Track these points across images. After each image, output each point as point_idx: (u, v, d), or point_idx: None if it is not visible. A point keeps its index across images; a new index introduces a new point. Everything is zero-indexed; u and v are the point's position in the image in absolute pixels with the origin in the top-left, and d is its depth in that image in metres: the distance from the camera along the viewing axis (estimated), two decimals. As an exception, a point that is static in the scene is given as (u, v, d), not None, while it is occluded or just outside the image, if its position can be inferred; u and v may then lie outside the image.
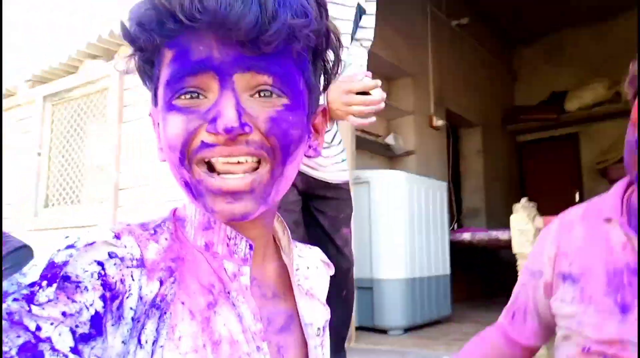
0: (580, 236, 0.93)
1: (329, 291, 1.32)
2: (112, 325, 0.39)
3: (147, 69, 0.49)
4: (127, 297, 0.41)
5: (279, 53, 0.45)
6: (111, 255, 0.41)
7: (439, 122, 4.55)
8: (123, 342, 0.40)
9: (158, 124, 0.49)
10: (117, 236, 0.43)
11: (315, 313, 0.57)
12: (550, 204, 3.14)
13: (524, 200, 2.16)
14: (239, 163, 0.45)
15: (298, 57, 0.47)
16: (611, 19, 5.50)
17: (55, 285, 0.38)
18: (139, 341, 0.41)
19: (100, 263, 0.40)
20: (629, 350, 0.86)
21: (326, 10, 0.49)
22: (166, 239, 0.48)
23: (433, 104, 4.54)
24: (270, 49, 0.43)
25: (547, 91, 5.89)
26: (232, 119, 0.42)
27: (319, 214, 1.37)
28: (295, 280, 0.56)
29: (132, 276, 0.42)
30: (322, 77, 0.55)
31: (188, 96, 0.45)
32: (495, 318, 1.08)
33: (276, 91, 0.46)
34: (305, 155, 0.52)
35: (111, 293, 0.40)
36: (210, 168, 0.45)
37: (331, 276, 1.33)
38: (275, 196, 0.49)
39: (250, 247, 0.50)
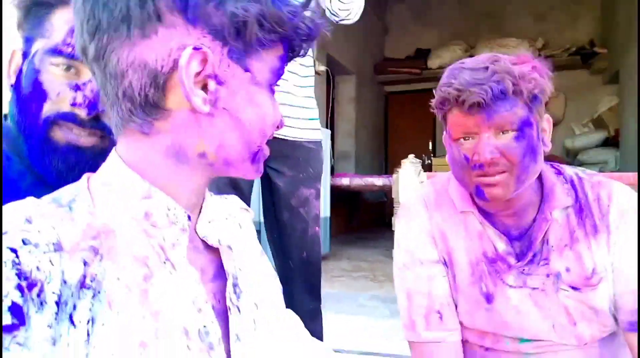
0: (441, 224, 0.94)
1: (290, 254, 1.33)
2: (36, 311, 0.39)
3: (257, 34, 0.48)
4: (48, 282, 0.40)
5: None
6: (25, 242, 0.40)
7: (321, 67, 4.68)
8: (49, 325, 0.39)
9: (233, 83, 0.49)
10: (29, 221, 0.42)
11: (230, 261, 0.58)
12: (409, 151, 3.58)
13: (411, 156, 2.44)
14: None
15: None
16: (472, -13, 6.10)
17: None
18: (72, 322, 0.41)
19: (14, 251, 0.39)
20: (502, 342, 0.91)
21: None
22: (83, 217, 0.45)
23: (315, 49, 4.62)
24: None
25: (413, 47, 6.39)
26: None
27: (276, 174, 1.33)
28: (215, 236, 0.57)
29: (50, 261, 0.40)
30: None
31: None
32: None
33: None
34: None
35: (28, 282, 0.39)
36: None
37: (286, 238, 1.36)
38: None
39: (189, 218, 0.51)
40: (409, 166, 2.39)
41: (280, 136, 1.28)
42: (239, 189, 1.29)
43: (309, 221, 1.36)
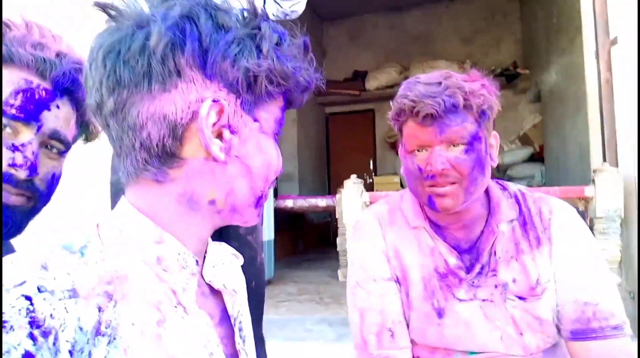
0: (395, 241, 0.96)
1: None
2: None
3: (266, 87, 0.51)
4: (63, 330, 0.40)
5: None
6: (40, 289, 0.40)
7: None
8: None
9: (235, 129, 0.51)
10: (45, 267, 0.42)
11: (235, 306, 0.60)
12: (350, 170, 3.63)
13: (353, 177, 2.48)
14: None
15: None
16: (405, 11, 6.38)
17: None
18: None
19: (29, 298, 0.39)
20: (453, 356, 0.93)
21: None
22: (97, 262, 0.46)
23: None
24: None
25: (351, 69, 6.56)
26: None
27: None
28: (221, 280, 0.59)
29: (65, 308, 0.41)
30: None
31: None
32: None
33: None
34: None
35: (41, 330, 0.39)
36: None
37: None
38: None
39: (197, 263, 0.52)
40: (352, 186, 2.41)
41: None
42: None
43: (257, 249, 1.32)
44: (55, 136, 0.67)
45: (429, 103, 0.83)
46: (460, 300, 0.91)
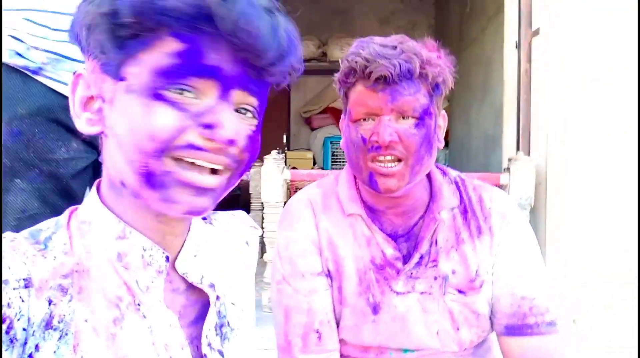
0: (329, 228, 0.88)
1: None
2: (5, 349, 0.39)
3: (123, 38, 0.44)
4: (18, 319, 0.40)
5: (268, 82, 0.50)
6: None
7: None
8: None
9: (100, 95, 0.47)
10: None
11: (220, 299, 0.57)
12: (262, 144, 3.49)
13: (274, 152, 2.33)
14: (210, 168, 0.47)
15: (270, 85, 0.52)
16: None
17: None
18: None
19: None
20: (386, 354, 0.88)
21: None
22: (56, 256, 0.45)
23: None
24: (270, 80, 0.49)
25: (267, 38, 6.31)
26: (232, 133, 0.45)
27: None
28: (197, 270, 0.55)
29: (20, 297, 0.41)
30: None
31: (179, 91, 0.44)
32: None
33: (253, 112, 0.49)
34: None
35: None
36: (183, 161, 0.45)
37: None
38: (221, 198, 0.51)
39: (167, 259, 0.49)
40: (272, 162, 2.27)
41: None
42: (70, 196, 1.01)
43: None
44: None
45: (383, 64, 0.75)
46: (397, 292, 0.86)
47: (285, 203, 2.44)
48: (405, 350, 0.87)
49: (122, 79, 0.45)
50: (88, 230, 0.48)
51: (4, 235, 0.45)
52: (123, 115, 0.45)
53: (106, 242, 0.48)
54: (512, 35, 2.37)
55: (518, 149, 2.30)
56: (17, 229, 0.49)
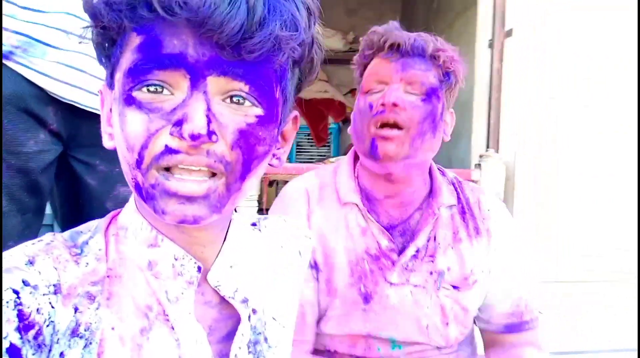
0: (321, 221, 0.89)
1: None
2: (33, 354, 0.38)
3: (107, 47, 0.43)
4: (47, 325, 0.39)
5: (260, 61, 0.41)
6: (25, 283, 0.39)
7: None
8: None
9: (110, 109, 0.46)
10: (31, 262, 0.41)
11: (255, 315, 0.53)
12: None
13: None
14: (193, 171, 0.41)
15: (279, 67, 0.44)
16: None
17: None
18: None
19: (16, 292, 0.38)
20: (374, 348, 0.89)
21: (315, 18, 0.46)
22: (88, 262, 0.44)
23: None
24: (251, 58, 0.40)
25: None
26: (200, 126, 0.39)
27: (85, 168, 1.00)
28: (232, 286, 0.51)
29: (50, 303, 0.40)
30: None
31: (152, 89, 0.40)
32: None
33: (251, 99, 0.42)
34: (268, 164, 0.49)
35: (25, 324, 0.38)
36: (167, 169, 0.41)
37: None
38: (231, 206, 0.46)
39: (199, 269, 0.46)
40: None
41: (74, 104, 0.94)
42: (38, 192, 0.94)
43: None
44: None
45: (397, 34, 0.83)
46: (391, 283, 0.87)
47: (259, 196, 2.40)
48: (393, 345, 0.88)
49: (111, 86, 0.44)
50: (124, 236, 0.47)
51: (49, 233, 0.44)
52: (115, 126, 0.43)
53: (139, 249, 0.46)
54: (483, 34, 2.43)
55: (488, 146, 2.37)
56: None
